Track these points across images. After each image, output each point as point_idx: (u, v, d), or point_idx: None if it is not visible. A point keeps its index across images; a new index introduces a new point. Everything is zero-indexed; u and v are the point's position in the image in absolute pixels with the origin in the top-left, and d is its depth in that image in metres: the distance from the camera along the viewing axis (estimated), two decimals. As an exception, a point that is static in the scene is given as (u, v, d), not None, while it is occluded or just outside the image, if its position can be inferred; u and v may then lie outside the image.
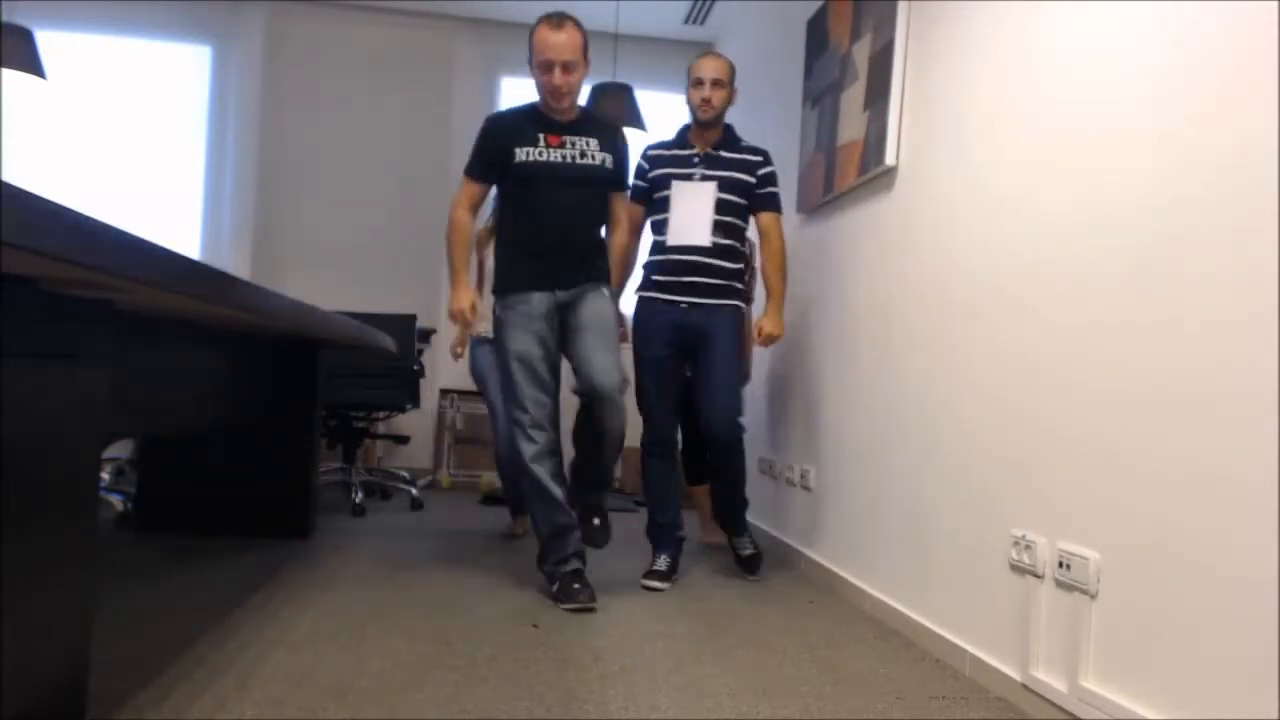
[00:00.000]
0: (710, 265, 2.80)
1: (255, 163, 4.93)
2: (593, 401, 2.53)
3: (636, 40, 5.29)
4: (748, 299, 2.94)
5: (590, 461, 2.64)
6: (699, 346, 2.83)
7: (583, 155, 2.58)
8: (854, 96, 2.83)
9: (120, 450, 4.33)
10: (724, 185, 2.81)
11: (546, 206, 2.56)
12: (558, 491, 2.52)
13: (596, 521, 2.64)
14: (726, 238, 2.82)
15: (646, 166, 2.90)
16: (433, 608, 2.33)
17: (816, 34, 3.25)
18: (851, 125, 2.83)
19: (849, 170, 2.82)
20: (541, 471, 2.51)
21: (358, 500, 3.78)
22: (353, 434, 4.06)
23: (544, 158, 2.54)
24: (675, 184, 2.82)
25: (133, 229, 1.83)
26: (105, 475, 3.95)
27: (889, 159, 2.54)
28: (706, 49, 5.28)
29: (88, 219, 0.96)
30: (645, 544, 2.95)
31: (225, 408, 2.59)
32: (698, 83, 2.80)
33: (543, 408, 2.53)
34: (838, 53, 3.01)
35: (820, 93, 3.16)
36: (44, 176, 4.72)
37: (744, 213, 2.86)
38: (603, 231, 2.70)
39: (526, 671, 1.87)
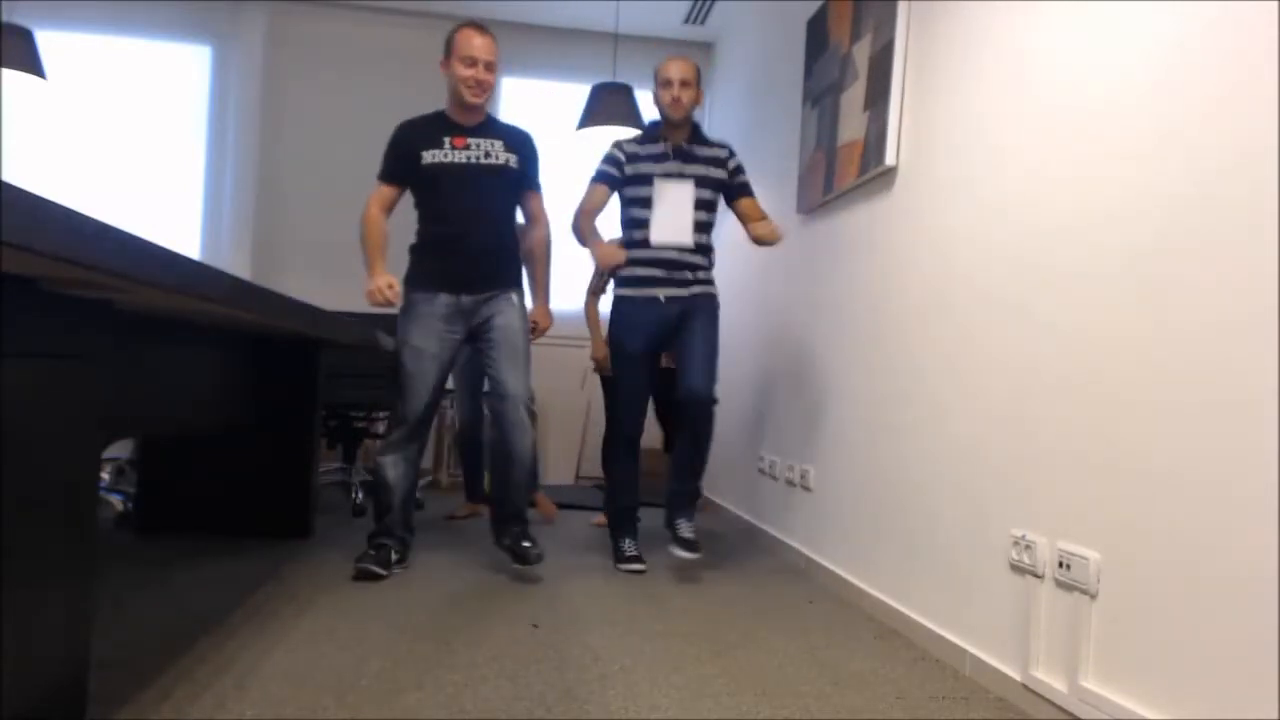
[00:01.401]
0: (690, 263, 2.91)
1: (255, 163, 4.93)
2: (499, 416, 2.73)
3: (636, 40, 5.29)
4: None
5: (500, 486, 2.79)
6: (679, 329, 2.91)
7: (487, 155, 2.71)
8: (854, 96, 2.83)
9: (120, 450, 4.33)
10: (699, 182, 2.91)
11: (453, 207, 2.69)
12: (390, 473, 2.73)
13: (527, 544, 2.73)
14: (701, 233, 2.93)
15: (622, 158, 2.94)
16: (433, 607, 2.33)
17: (816, 34, 3.25)
18: (851, 125, 2.83)
19: (849, 170, 2.83)
20: (386, 462, 2.72)
21: (358, 500, 3.78)
22: (353, 434, 4.06)
23: (449, 159, 2.69)
24: (659, 182, 2.89)
25: (133, 229, 1.83)
26: (105, 475, 3.95)
27: (889, 159, 2.54)
28: (706, 53, 5.28)
29: (88, 219, 0.96)
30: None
31: (225, 408, 2.59)
32: (666, 83, 2.88)
33: (417, 404, 2.70)
34: (838, 53, 3.01)
35: (820, 93, 3.16)
36: (44, 176, 4.72)
37: (715, 208, 2.97)
38: (512, 232, 2.82)
39: (526, 671, 1.87)
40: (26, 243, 0.84)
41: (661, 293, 2.90)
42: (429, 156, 2.69)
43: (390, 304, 2.66)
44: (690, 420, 2.85)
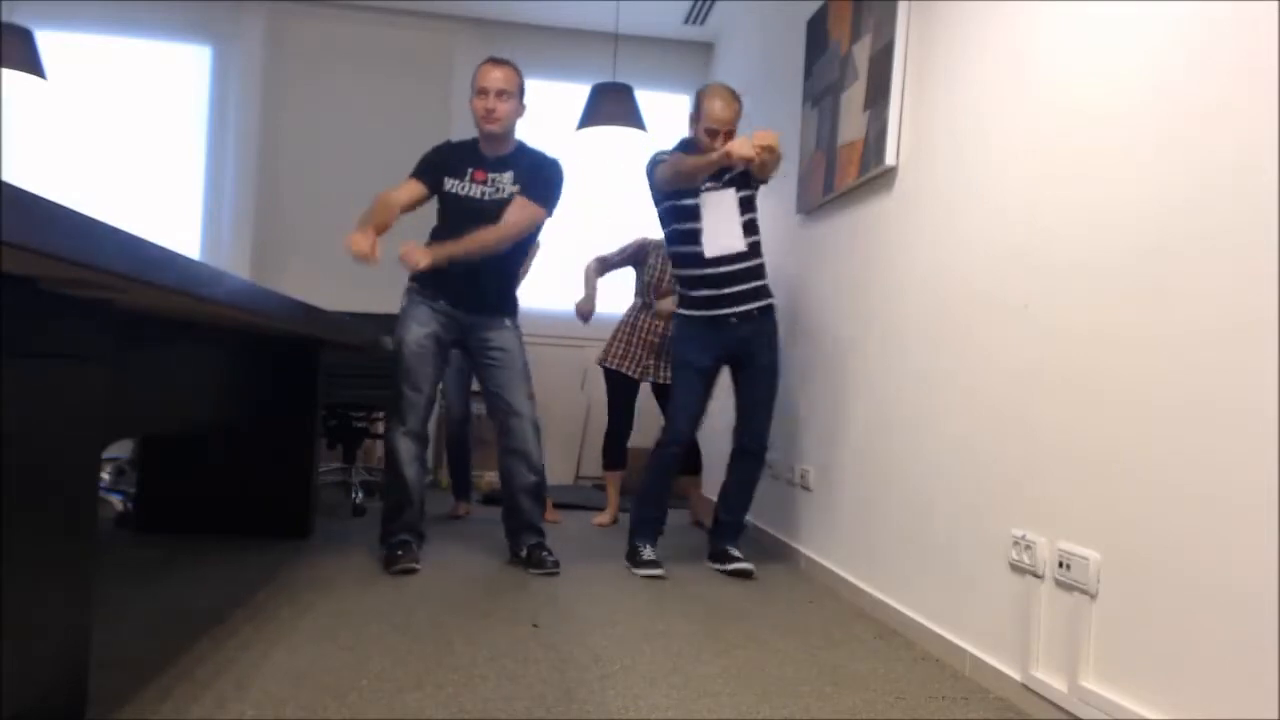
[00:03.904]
0: (747, 269, 2.91)
1: (255, 163, 4.93)
2: (509, 434, 2.85)
3: (636, 40, 5.29)
4: None
5: (512, 499, 2.91)
6: (745, 360, 2.96)
7: (497, 192, 2.82)
8: (854, 96, 2.83)
9: (120, 450, 4.33)
10: (738, 183, 2.90)
11: (461, 237, 2.75)
12: (408, 470, 2.80)
13: (544, 553, 2.86)
14: (750, 234, 2.92)
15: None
16: (432, 607, 2.33)
17: (816, 34, 3.25)
18: (852, 125, 2.83)
19: (849, 170, 2.82)
20: (401, 448, 2.79)
21: (358, 500, 3.78)
22: (353, 434, 4.06)
23: (464, 192, 2.82)
24: (704, 195, 2.88)
25: (133, 229, 1.83)
26: (105, 475, 3.95)
27: (889, 159, 2.54)
28: (705, 53, 5.28)
29: (88, 219, 0.96)
30: (626, 544, 2.95)
31: (225, 408, 2.59)
32: (713, 133, 2.84)
33: (420, 400, 2.80)
34: (838, 53, 3.01)
35: (820, 93, 3.16)
36: (44, 176, 4.72)
37: (754, 203, 2.95)
38: (517, 264, 2.94)
39: (526, 671, 1.87)
40: (26, 243, 0.84)
41: (730, 312, 2.89)
42: (449, 184, 2.83)
43: (365, 257, 2.65)
44: (745, 464, 3.00)
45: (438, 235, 2.84)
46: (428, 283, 2.82)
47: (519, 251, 2.88)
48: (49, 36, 4.73)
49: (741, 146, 2.56)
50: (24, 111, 4.73)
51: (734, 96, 2.86)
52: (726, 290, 2.89)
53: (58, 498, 1.28)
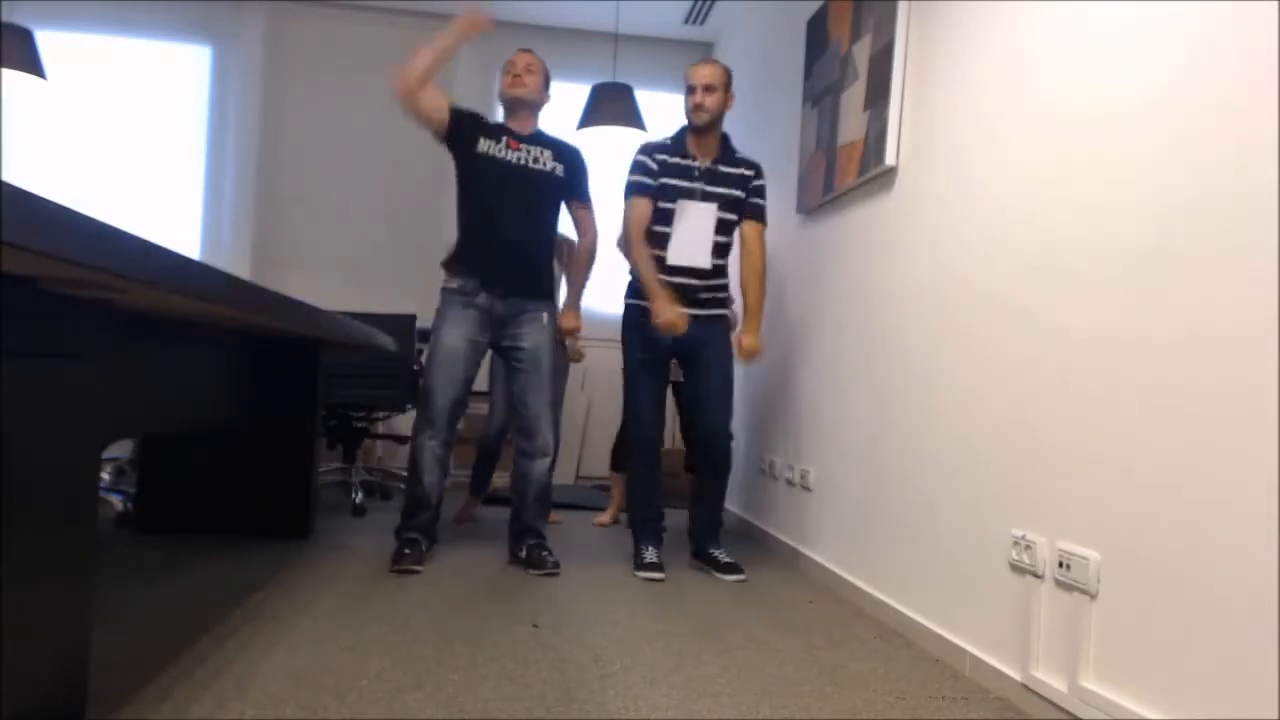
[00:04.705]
0: (706, 286, 2.95)
1: (255, 163, 4.92)
2: (523, 434, 2.90)
3: (636, 40, 5.28)
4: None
5: (520, 502, 2.95)
6: (692, 352, 2.96)
7: (535, 161, 2.88)
8: (854, 96, 2.83)
9: (120, 450, 4.33)
10: (722, 204, 2.91)
11: (499, 202, 2.83)
12: (427, 477, 2.81)
13: (544, 554, 2.87)
14: (719, 256, 2.95)
15: (655, 168, 2.90)
16: (433, 608, 2.33)
17: (816, 34, 3.25)
18: (851, 125, 2.83)
19: (849, 170, 2.82)
20: (425, 455, 2.81)
21: (358, 500, 3.78)
22: (353, 434, 4.06)
23: (501, 155, 2.85)
24: (681, 203, 2.89)
25: (133, 229, 1.84)
26: (105, 475, 3.95)
27: (889, 159, 2.54)
28: (705, 52, 5.28)
29: (87, 219, 0.96)
30: (626, 545, 2.96)
31: (225, 408, 2.59)
32: (690, 89, 2.89)
33: (445, 403, 2.80)
34: (838, 53, 3.01)
35: (820, 93, 3.16)
36: (44, 176, 4.72)
37: (734, 228, 2.98)
38: (551, 240, 2.96)
39: (526, 671, 1.87)
40: (26, 243, 0.84)
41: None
42: (484, 145, 2.84)
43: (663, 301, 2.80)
44: (708, 457, 2.96)
45: (464, 202, 2.87)
46: (465, 267, 2.83)
47: (547, 227, 2.93)
48: (49, 36, 4.73)
49: (668, 312, 2.76)
50: (24, 111, 4.73)
51: (718, 64, 2.92)
52: (676, 293, 2.89)
53: (58, 498, 1.28)
